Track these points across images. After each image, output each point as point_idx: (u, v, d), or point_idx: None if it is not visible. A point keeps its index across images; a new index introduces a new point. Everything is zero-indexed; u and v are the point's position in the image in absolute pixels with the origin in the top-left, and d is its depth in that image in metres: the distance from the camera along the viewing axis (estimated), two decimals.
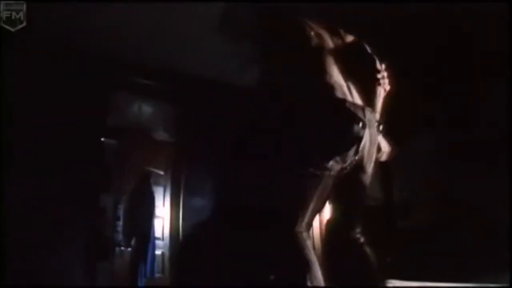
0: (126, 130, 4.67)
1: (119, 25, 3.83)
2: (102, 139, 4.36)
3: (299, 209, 1.78)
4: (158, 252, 4.77)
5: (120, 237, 4.49)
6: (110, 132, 4.41)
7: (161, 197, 4.96)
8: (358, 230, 2.03)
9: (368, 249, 2.01)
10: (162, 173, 4.99)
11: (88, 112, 4.06)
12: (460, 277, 2.85)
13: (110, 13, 3.66)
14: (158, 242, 4.78)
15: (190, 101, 4.77)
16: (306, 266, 1.72)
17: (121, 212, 4.55)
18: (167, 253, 4.85)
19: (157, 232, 4.80)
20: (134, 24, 3.82)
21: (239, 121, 2.01)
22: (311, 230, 3.22)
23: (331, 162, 1.75)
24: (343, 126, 1.78)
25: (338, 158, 1.77)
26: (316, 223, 4.90)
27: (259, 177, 1.80)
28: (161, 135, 5.00)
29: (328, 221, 2.13)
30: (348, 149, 1.78)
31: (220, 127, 4.56)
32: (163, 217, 4.91)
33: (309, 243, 1.79)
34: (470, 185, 3.94)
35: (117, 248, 4.47)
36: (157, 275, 4.68)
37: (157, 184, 4.92)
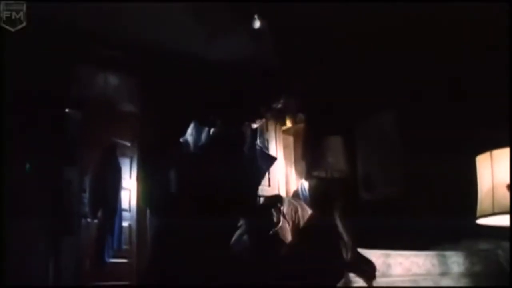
0: (92, 101, 4.57)
1: None
2: (66, 110, 4.27)
3: None
4: (125, 224, 4.75)
5: (86, 209, 4.44)
6: (75, 103, 4.33)
7: (128, 168, 4.91)
8: None
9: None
10: (128, 144, 4.93)
11: (52, 83, 3.96)
12: (421, 245, 2.99)
13: None
14: (125, 214, 4.75)
15: (156, 73, 4.71)
16: None
17: (87, 184, 4.49)
18: (134, 225, 4.84)
19: (124, 204, 4.77)
20: None
21: None
22: None
23: None
24: None
25: None
26: None
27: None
28: (127, 107, 4.93)
29: None
30: None
31: (186, 98, 4.55)
32: (129, 189, 4.87)
33: None
34: (432, 159, 4.06)
35: (83, 220, 4.42)
36: (124, 247, 4.66)
37: (124, 155, 4.87)
